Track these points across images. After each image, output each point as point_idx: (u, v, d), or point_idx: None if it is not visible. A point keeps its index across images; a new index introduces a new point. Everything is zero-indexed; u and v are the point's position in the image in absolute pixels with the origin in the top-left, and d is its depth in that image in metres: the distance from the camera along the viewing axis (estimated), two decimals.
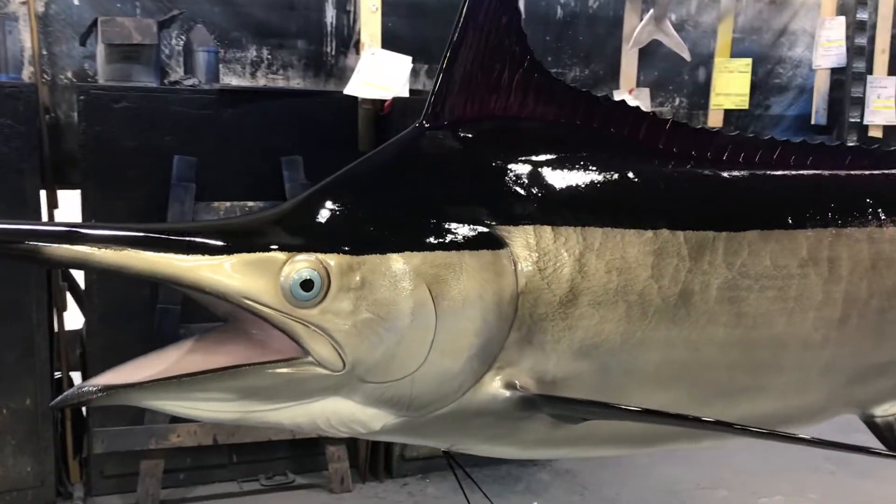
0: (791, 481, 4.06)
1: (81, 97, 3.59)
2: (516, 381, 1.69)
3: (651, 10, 4.73)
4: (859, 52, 5.24)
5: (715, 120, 5.12)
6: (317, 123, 3.92)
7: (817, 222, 1.98)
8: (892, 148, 2.22)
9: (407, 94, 3.95)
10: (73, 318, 3.93)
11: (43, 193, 3.70)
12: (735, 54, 5.15)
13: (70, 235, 1.40)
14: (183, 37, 4.13)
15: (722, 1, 5.13)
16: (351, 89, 3.90)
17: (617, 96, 4.41)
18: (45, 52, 3.93)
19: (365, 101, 3.97)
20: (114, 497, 3.79)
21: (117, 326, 3.67)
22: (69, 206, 3.91)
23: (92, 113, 3.60)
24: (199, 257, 1.46)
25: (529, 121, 1.86)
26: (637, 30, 4.76)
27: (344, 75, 4.35)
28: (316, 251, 1.52)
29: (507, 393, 1.69)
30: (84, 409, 3.78)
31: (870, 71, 5.28)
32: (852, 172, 2.13)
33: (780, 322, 1.93)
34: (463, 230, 1.64)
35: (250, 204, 3.78)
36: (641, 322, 1.78)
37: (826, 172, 2.10)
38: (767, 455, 4.15)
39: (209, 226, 1.64)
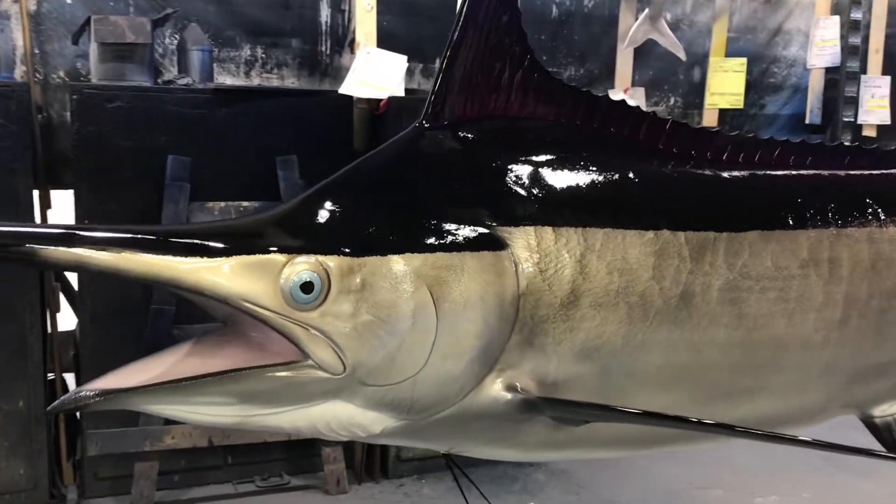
0: (787, 481, 4.07)
1: (74, 96, 3.57)
2: (517, 384, 1.68)
3: (646, 10, 4.72)
4: (853, 51, 5.25)
5: (710, 119, 5.12)
6: (312, 123, 3.90)
7: (818, 223, 1.97)
8: (892, 148, 2.22)
9: (402, 94, 3.94)
10: (67, 319, 3.90)
11: (35, 193, 3.67)
12: (730, 53, 5.15)
13: (67, 237, 1.38)
14: (177, 36, 4.11)
15: (717, 0, 5.14)
16: (346, 88, 3.88)
17: (612, 96, 4.39)
18: (37, 51, 3.90)
19: (360, 100, 3.95)
20: (108, 499, 3.76)
21: (111, 327, 3.65)
22: (62, 206, 3.89)
23: (85, 112, 3.57)
24: (197, 259, 1.44)
25: (530, 121, 1.85)
26: (632, 29, 4.75)
27: (339, 74, 4.33)
28: (316, 253, 1.50)
29: (509, 395, 1.67)
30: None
31: (864, 70, 5.29)
32: (852, 172, 2.13)
33: (780, 323, 1.92)
34: (464, 231, 1.62)
35: (245, 204, 3.76)
36: (643, 323, 1.77)
37: (826, 172, 2.10)
38: (763, 455, 4.16)
39: (208, 227, 1.63)
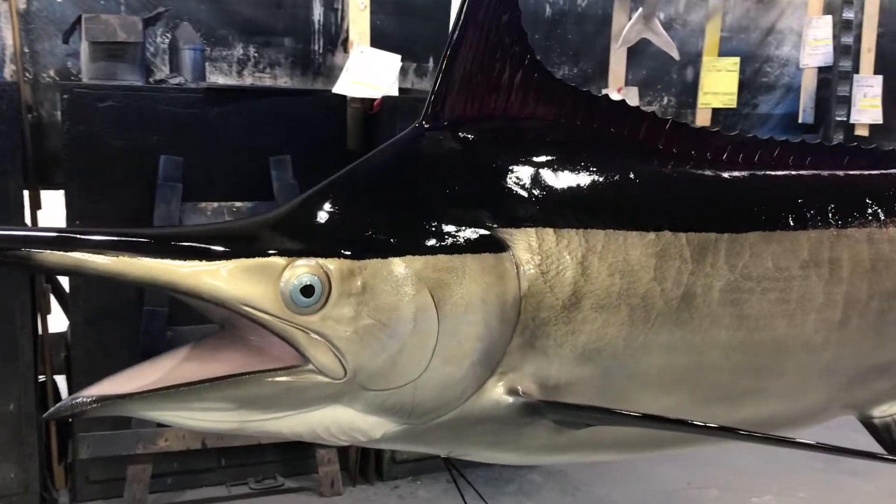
0: (782, 480, 4.07)
1: (65, 96, 3.53)
2: (519, 387, 1.66)
3: (640, 9, 4.72)
4: (846, 50, 5.26)
5: (703, 119, 5.13)
6: (305, 122, 3.87)
7: (818, 223, 1.97)
8: (892, 147, 2.21)
9: (396, 93, 3.92)
10: (58, 321, 3.86)
11: (26, 194, 3.63)
12: (723, 53, 5.16)
13: (64, 241, 1.36)
14: (168, 34, 4.06)
15: (710, 0, 5.14)
16: (340, 88, 3.86)
17: None
18: (27, 50, 3.86)
19: (354, 99, 3.93)
20: (100, 503, 3.72)
21: (103, 329, 3.61)
22: (53, 206, 3.85)
23: (76, 112, 3.53)
24: (196, 263, 1.42)
25: (530, 121, 1.83)
26: (626, 28, 4.75)
27: (332, 74, 4.30)
28: (316, 256, 1.48)
29: (510, 399, 1.66)
30: None
31: (856, 70, 5.30)
32: (852, 172, 2.13)
33: (781, 324, 1.91)
34: (465, 233, 1.61)
35: (238, 204, 3.73)
36: (644, 325, 1.76)
37: (826, 173, 2.09)
38: (759, 455, 4.15)
39: (206, 230, 1.60)
